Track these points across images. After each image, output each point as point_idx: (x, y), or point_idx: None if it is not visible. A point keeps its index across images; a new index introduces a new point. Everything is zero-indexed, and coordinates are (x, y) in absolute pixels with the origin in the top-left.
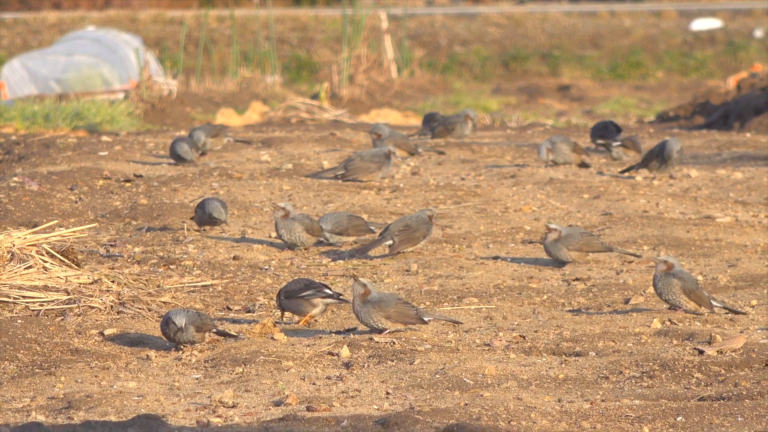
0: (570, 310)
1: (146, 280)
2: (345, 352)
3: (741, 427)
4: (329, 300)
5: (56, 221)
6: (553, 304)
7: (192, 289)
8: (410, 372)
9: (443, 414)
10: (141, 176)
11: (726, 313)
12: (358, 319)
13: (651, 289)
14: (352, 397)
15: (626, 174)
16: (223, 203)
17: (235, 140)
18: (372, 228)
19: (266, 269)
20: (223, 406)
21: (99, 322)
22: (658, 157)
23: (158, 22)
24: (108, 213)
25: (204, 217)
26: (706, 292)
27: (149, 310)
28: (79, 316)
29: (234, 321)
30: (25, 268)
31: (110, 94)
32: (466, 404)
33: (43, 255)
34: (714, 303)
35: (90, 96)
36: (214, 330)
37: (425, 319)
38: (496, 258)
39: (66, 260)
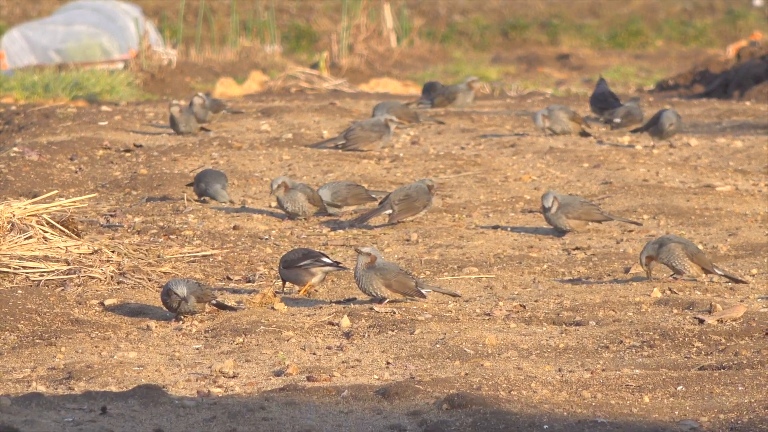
0: (570, 280)
1: (146, 250)
2: (345, 321)
3: (741, 396)
4: (328, 268)
5: (56, 191)
6: (554, 273)
7: (192, 259)
8: (410, 342)
9: (444, 384)
10: (141, 146)
11: (726, 282)
12: (358, 286)
13: None
14: (352, 366)
15: (635, 134)
16: (223, 181)
17: (229, 111)
18: (374, 195)
19: (266, 239)
20: (224, 376)
21: (99, 293)
22: (654, 126)
23: None
24: (108, 183)
25: (204, 191)
26: None
27: (149, 280)
28: (79, 286)
29: (234, 291)
30: (26, 239)
31: (110, 63)
32: (466, 374)
33: (43, 225)
34: (716, 269)
35: (89, 66)
36: (213, 302)
37: (424, 292)
38: (496, 227)
39: (66, 230)
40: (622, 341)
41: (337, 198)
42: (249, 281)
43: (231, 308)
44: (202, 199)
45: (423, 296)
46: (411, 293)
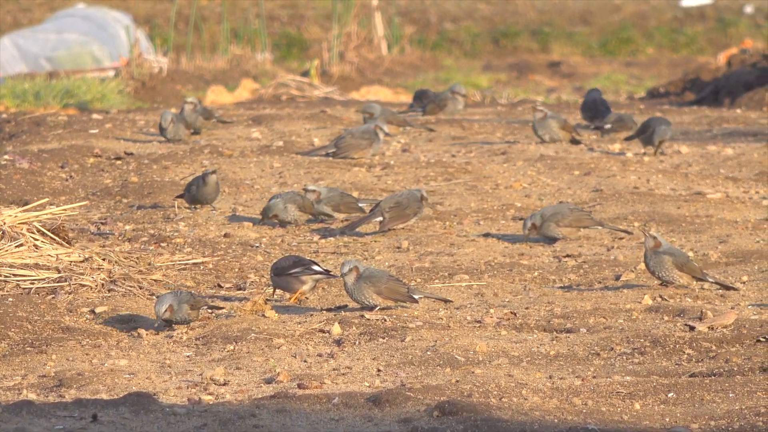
0: (561, 287)
1: (137, 258)
2: (336, 329)
3: (732, 403)
4: (318, 276)
5: (47, 199)
6: (544, 280)
7: (183, 266)
8: (401, 349)
9: (434, 391)
10: (132, 154)
11: (717, 289)
12: (351, 298)
13: (642, 266)
14: (343, 374)
15: (625, 142)
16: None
17: (219, 120)
18: (362, 205)
19: (257, 246)
20: (215, 384)
21: (90, 300)
22: (644, 134)
23: None
24: (99, 191)
25: (195, 197)
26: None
27: (140, 288)
28: (70, 294)
29: (225, 298)
30: (16, 247)
31: (100, 71)
32: (457, 381)
33: (34, 233)
34: (707, 276)
35: (80, 74)
36: (205, 306)
37: (416, 297)
38: (486, 235)
39: (57, 238)
40: (612, 348)
41: (329, 203)
42: (240, 289)
43: (219, 307)
44: (193, 206)
45: (415, 301)
46: (403, 299)
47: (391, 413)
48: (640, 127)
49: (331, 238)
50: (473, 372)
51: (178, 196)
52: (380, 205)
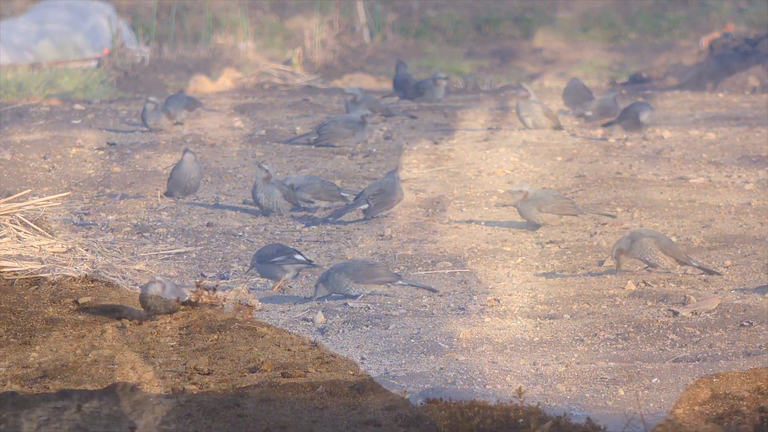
0: (544, 273)
1: (120, 248)
2: (320, 317)
3: (716, 388)
4: (301, 265)
5: (29, 190)
6: (528, 267)
7: (166, 256)
8: (385, 337)
9: (418, 379)
10: (114, 144)
11: (700, 274)
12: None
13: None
14: (327, 362)
15: (606, 128)
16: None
17: (202, 109)
18: (344, 194)
19: (240, 235)
20: (199, 373)
21: (73, 291)
22: (627, 120)
23: None
24: (81, 181)
25: (178, 182)
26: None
27: (123, 278)
28: (53, 284)
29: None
30: None
31: (83, 62)
32: (441, 368)
33: (16, 224)
34: (690, 261)
35: (63, 64)
36: (184, 298)
37: (401, 282)
38: (469, 222)
39: (40, 229)
40: (596, 334)
41: (309, 190)
42: (223, 278)
43: (197, 303)
44: (177, 197)
45: (399, 278)
46: (390, 279)
47: (375, 401)
48: (620, 113)
49: (315, 227)
50: (457, 359)
51: (165, 194)
52: (364, 193)
